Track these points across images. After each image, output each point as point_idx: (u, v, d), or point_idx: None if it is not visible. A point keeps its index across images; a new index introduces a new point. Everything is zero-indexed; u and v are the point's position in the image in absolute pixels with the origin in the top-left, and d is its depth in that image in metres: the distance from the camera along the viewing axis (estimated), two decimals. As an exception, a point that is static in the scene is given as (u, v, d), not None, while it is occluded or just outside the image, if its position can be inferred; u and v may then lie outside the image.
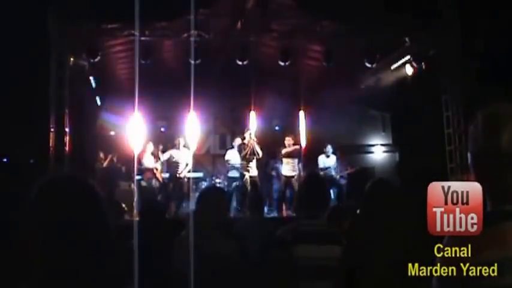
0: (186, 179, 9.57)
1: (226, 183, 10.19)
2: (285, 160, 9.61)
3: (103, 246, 1.19)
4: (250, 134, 9.27)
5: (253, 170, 9.24)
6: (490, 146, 1.31)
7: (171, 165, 9.43)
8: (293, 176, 9.49)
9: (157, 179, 9.46)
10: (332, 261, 2.74)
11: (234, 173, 9.51)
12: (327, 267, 2.74)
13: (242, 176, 9.24)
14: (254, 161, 9.22)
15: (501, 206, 1.30)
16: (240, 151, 9.31)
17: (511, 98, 1.45)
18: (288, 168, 9.55)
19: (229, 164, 9.56)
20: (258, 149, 9.16)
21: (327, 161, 10.05)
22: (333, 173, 10.10)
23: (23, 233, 1.17)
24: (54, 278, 1.14)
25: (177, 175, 9.33)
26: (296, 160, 9.67)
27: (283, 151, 9.64)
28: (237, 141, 9.61)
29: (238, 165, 9.39)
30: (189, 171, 9.65)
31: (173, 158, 9.35)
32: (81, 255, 1.15)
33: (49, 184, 1.22)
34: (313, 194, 2.95)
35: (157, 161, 9.63)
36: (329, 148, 10.10)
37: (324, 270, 2.74)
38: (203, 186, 9.87)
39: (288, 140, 9.65)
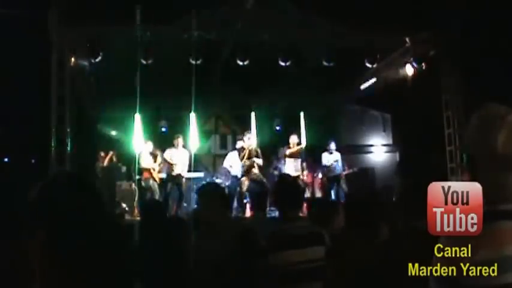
0: (186, 179, 9.53)
1: (227, 184, 10.17)
2: (288, 160, 9.55)
3: (105, 244, 1.19)
4: (248, 138, 9.19)
5: (255, 171, 9.16)
6: (487, 146, 1.31)
7: (171, 165, 9.39)
8: (297, 176, 9.45)
9: (154, 178, 9.40)
10: (316, 263, 2.68)
11: (235, 174, 9.50)
12: (310, 270, 2.67)
13: (242, 177, 9.20)
14: (255, 165, 9.11)
15: (500, 205, 1.30)
16: (239, 154, 9.23)
17: (510, 98, 1.45)
18: (292, 167, 9.48)
19: (231, 167, 9.52)
20: (259, 159, 9.06)
21: (331, 157, 10.04)
22: (338, 170, 10.07)
23: (26, 232, 1.17)
24: (60, 277, 1.14)
25: (177, 174, 9.27)
26: (299, 160, 9.61)
27: (287, 151, 9.55)
28: (239, 143, 9.53)
29: (239, 167, 9.36)
30: (189, 171, 9.61)
31: (172, 157, 9.30)
32: (83, 254, 1.15)
33: (50, 183, 1.22)
34: (286, 196, 2.90)
35: (155, 161, 9.60)
36: (332, 145, 10.08)
37: (307, 274, 2.67)
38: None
39: (293, 139, 9.61)
